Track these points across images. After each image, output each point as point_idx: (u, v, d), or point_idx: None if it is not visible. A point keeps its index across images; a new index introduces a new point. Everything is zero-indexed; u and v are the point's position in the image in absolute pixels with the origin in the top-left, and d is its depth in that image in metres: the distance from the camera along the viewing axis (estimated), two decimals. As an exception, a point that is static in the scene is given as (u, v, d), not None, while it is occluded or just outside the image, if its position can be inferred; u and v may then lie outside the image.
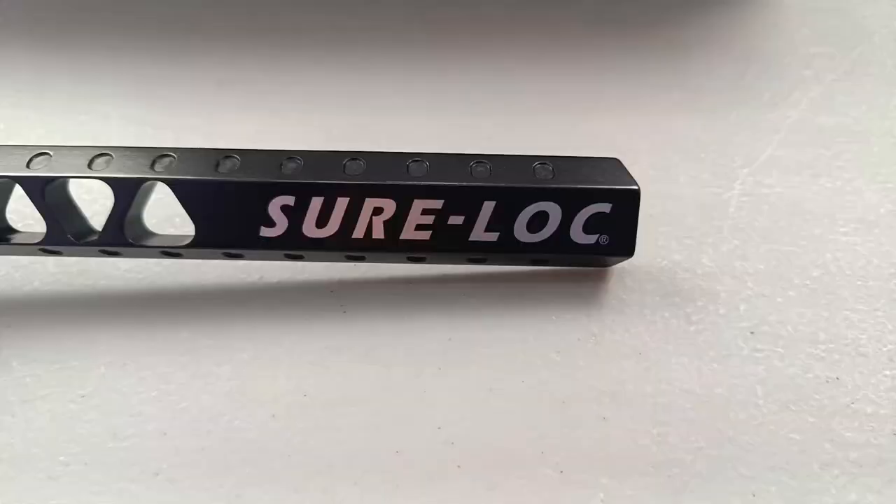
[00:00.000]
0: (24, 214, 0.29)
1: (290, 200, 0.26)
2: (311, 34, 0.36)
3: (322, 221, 0.26)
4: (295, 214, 0.26)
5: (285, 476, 0.24)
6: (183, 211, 0.26)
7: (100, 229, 0.27)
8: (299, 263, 0.29)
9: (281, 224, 0.26)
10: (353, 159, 0.26)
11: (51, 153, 0.27)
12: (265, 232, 0.26)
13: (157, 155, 0.26)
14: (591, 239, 0.26)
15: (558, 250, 0.27)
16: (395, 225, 0.26)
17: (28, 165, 0.26)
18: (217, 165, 0.26)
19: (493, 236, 0.26)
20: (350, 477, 0.24)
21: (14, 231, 0.28)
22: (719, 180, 0.31)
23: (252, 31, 0.36)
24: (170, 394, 0.26)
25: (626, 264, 0.28)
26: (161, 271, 0.29)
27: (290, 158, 0.26)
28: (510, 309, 0.28)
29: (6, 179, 0.26)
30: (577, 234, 0.26)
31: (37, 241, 0.27)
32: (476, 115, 0.34)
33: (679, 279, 0.28)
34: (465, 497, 0.23)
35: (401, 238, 0.26)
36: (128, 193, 0.26)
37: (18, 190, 0.26)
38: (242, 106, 0.34)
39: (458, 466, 0.24)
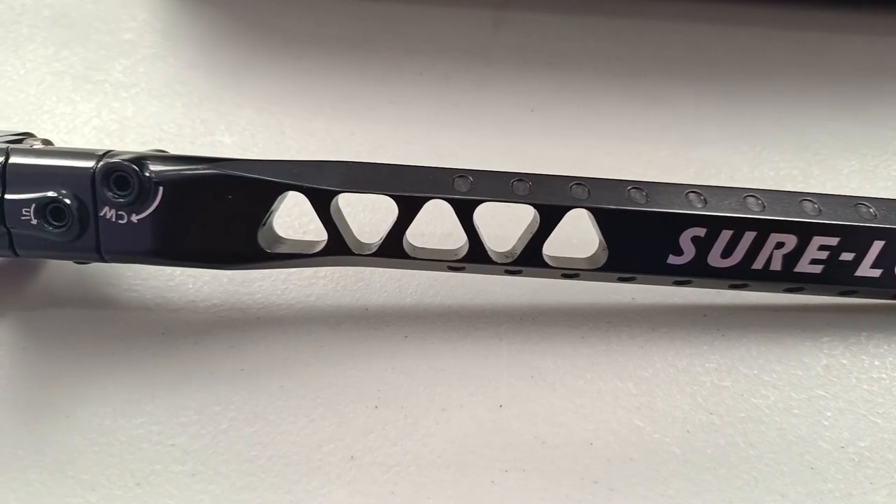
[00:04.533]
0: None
1: (701, 232, 0.28)
2: (620, 65, 0.38)
3: (727, 252, 0.28)
4: (703, 245, 0.28)
5: (716, 486, 0.26)
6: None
7: (502, 250, 0.29)
8: (670, 288, 0.31)
9: (688, 253, 0.28)
10: (751, 195, 0.29)
11: (469, 176, 0.28)
12: (672, 260, 0.28)
13: (573, 182, 0.28)
14: (956, 278, 0.29)
15: (929, 287, 0.29)
16: (792, 259, 0.28)
17: (452, 186, 0.28)
18: (629, 194, 0.28)
19: (876, 272, 0.29)
20: (776, 489, 0.26)
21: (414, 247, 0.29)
22: None
23: (561, 61, 0.38)
24: (584, 406, 0.28)
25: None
26: (538, 288, 0.31)
27: (694, 192, 0.29)
28: (872, 338, 0.30)
29: (437, 199, 0.28)
30: (948, 273, 0.29)
31: (455, 258, 0.28)
32: (774, 151, 0.36)
33: None
34: (887, 511, 0.26)
35: (794, 271, 0.29)
36: (553, 219, 0.28)
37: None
38: (558, 133, 0.36)
39: (871, 483, 0.26)
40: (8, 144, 0.27)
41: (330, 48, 0.40)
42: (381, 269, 0.31)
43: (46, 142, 0.31)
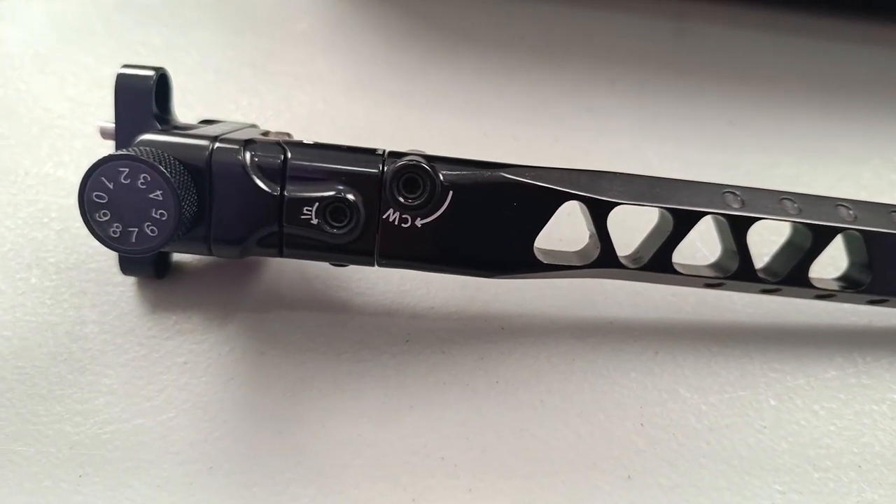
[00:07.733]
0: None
1: (961, 259, 0.28)
2: (808, 82, 0.38)
3: (981, 280, 0.29)
4: (963, 272, 0.28)
5: None
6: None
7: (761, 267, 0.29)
8: (905, 312, 0.31)
9: (946, 279, 0.29)
10: None
11: (735, 192, 0.28)
12: (933, 285, 0.29)
13: (836, 203, 0.28)
14: None
15: None
16: None
17: (724, 202, 0.28)
18: (891, 218, 0.28)
19: None
20: None
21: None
22: None
23: (750, 74, 0.38)
24: (845, 429, 0.28)
25: None
26: (778, 308, 0.31)
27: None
28: None
29: (713, 214, 0.27)
30: None
31: (720, 275, 0.28)
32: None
33: None
34: None
35: None
36: (824, 240, 0.28)
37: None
38: (762, 147, 0.36)
39: None
40: (279, 139, 0.26)
41: (515, 51, 0.39)
42: (615, 281, 0.31)
43: (287, 135, 0.29)
